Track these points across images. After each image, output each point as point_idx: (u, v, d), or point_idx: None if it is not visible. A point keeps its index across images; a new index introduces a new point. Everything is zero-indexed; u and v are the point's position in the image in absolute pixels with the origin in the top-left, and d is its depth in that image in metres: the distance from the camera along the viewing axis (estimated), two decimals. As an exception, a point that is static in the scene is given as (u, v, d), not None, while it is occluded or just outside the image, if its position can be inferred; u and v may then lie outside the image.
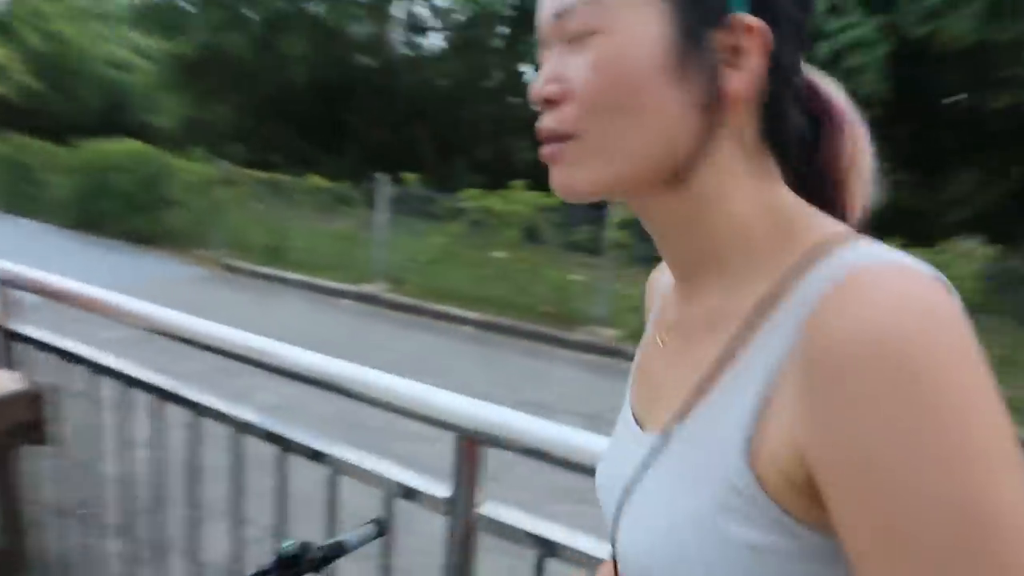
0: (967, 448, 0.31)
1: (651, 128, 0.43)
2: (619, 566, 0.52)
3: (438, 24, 15.55)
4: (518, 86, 14.10)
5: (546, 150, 0.47)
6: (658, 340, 0.54)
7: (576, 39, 0.44)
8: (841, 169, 0.48)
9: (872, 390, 0.32)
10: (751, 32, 0.41)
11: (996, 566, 0.30)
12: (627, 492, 0.48)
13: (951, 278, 0.37)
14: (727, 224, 0.45)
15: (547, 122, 0.46)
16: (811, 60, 0.49)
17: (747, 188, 0.45)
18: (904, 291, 0.34)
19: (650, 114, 0.43)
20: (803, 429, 0.35)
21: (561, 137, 0.45)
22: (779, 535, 0.37)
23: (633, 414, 0.54)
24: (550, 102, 0.45)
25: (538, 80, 0.46)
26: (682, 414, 0.44)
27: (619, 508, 0.48)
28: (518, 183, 7.07)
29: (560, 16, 0.45)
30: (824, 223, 0.44)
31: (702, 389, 0.43)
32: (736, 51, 0.42)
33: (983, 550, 0.30)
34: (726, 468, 0.39)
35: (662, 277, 0.61)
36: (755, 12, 0.42)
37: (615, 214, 6.25)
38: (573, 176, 0.46)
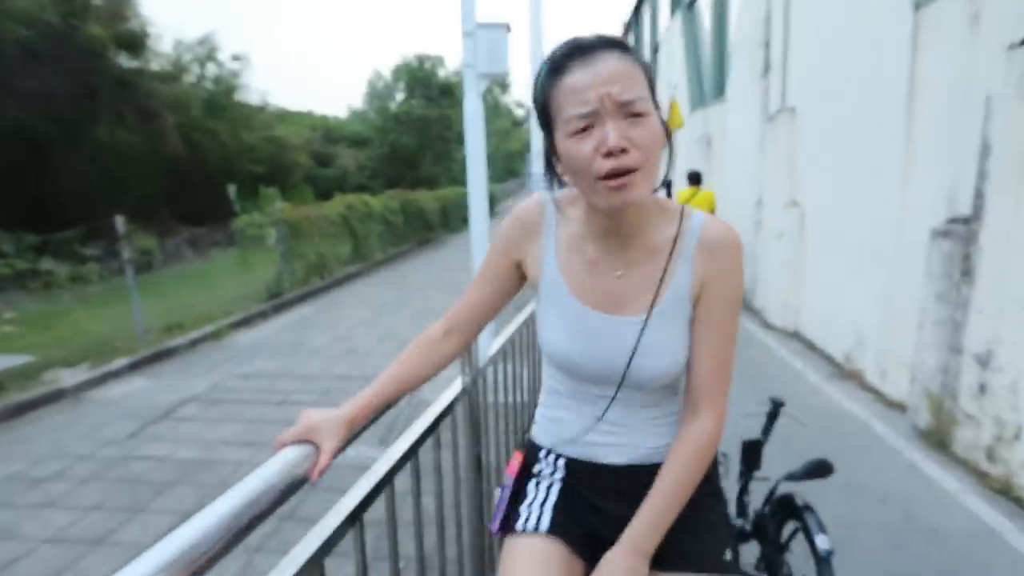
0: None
1: (659, 163, 0.84)
2: (624, 390, 0.97)
3: None
4: None
5: (618, 181, 0.79)
6: (616, 273, 0.95)
7: (634, 116, 0.79)
8: None
9: (735, 257, 0.93)
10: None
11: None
12: (635, 348, 0.93)
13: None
14: (652, 207, 0.94)
15: (623, 162, 0.78)
16: None
17: None
18: (727, 227, 0.95)
19: (659, 156, 0.84)
20: (706, 276, 0.92)
21: (629, 171, 0.79)
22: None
23: (590, 309, 0.95)
24: (623, 151, 0.78)
25: (611, 137, 0.78)
26: (655, 302, 0.93)
27: (632, 356, 0.93)
28: None
29: (628, 103, 0.78)
30: (668, 200, 0.98)
31: (664, 284, 0.93)
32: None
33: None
34: (686, 310, 0.94)
35: (545, 231, 1.00)
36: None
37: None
38: (639, 193, 0.81)
